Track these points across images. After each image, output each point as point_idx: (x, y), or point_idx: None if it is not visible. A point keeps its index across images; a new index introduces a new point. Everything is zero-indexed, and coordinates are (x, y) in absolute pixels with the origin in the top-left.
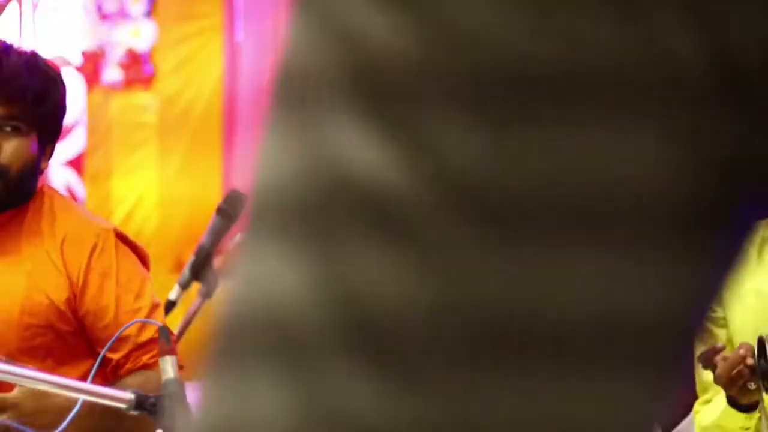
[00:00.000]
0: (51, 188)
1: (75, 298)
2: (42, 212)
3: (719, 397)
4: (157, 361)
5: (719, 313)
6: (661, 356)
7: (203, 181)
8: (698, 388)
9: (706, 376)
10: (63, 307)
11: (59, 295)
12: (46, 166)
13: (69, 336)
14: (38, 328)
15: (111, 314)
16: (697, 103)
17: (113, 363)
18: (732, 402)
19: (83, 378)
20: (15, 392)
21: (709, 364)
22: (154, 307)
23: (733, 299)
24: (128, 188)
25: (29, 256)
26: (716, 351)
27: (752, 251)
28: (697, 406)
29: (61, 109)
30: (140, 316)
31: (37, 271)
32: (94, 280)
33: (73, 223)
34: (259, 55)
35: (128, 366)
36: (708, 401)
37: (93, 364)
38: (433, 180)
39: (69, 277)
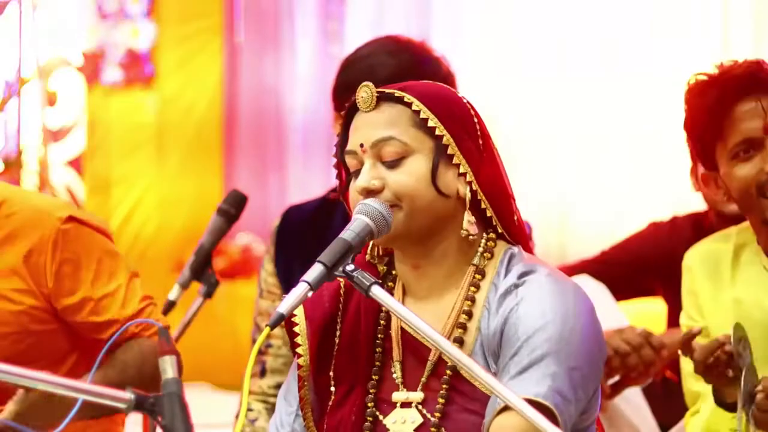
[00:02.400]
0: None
1: (48, 300)
2: (1, 218)
3: (707, 404)
4: (145, 328)
5: (700, 323)
6: None
7: (203, 180)
8: (687, 399)
9: (694, 386)
10: (33, 312)
11: (27, 301)
12: None
13: (48, 335)
14: (15, 335)
15: (90, 302)
16: None
17: (104, 341)
18: (718, 400)
19: (68, 376)
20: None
21: (687, 350)
22: (130, 278)
23: (712, 309)
24: (128, 188)
25: None
26: (693, 335)
27: (727, 261)
28: (686, 417)
29: None
30: (119, 296)
31: (2, 277)
32: (64, 273)
33: (32, 225)
34: (258, 56)
35: (117, 339)
36: (696, 412)
37: (76, 360)
38: None
39: (35, 281)
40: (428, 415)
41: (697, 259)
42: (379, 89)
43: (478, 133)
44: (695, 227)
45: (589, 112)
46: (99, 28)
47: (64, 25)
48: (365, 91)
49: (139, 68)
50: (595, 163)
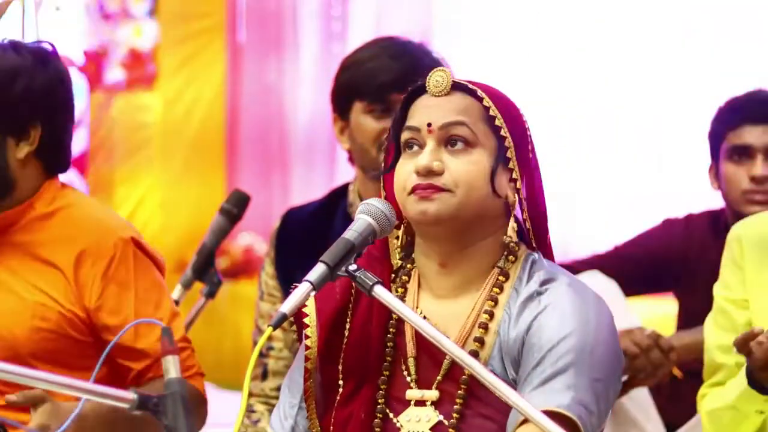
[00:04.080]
0: (74, 192)
1: (88, 314)
2: (62, 219)
3: (735, 380)
4: (183, 369)
5: (739, 294)
6: None
7: (205, 180)
8: (707, 371)
9: (719, 358)
10: (73, 318)
11: (71, 306)
12: (28, 153)
13: (80, 344)
14: (49, 333)
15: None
16: None
17: (134, 373)
18: (755, 385)
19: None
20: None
21: (744, 348)
22: (173, 316)
23: (757, 287)
24: (131, 188)
25: (43, 261)
26: (753, 336)
27: None
28: (703, 389)
29: (18, 98)
30: (158, 329)
31: (50, 277)
32: (112, 292)
33: (91, 234)
34: (261, 55)
35: (150, 375)
36: (718, 384)
37: (105, 373)
38: None
39: (81, 291)
40: (443, 416)
41: (751, 234)
42: (454, 78)
43: (530, 146)
44: (711, 225)
45: (591, 114)
46: (101, 28)
47: (67, 25)
48: (441, 76)
49: (141, 68)
50: (598, 164)
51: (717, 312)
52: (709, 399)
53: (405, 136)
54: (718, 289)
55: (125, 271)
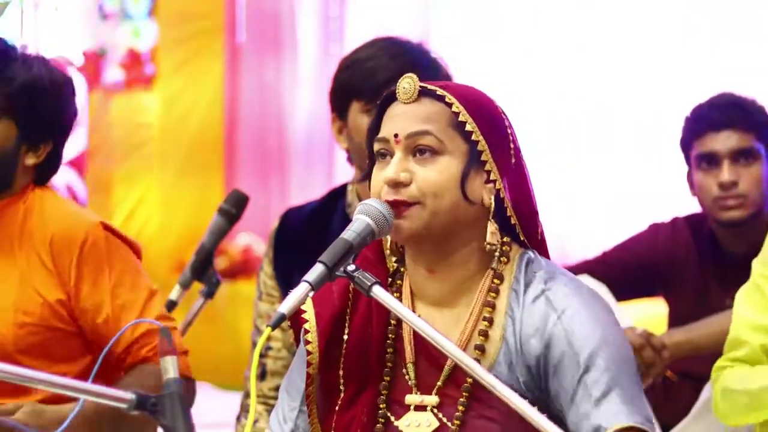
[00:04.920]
0: (43, 187)
1: (69, 299)
2: (33, 211)
3: (765, 367)
4: (157, 353)
5: None
6: None
7: (204, 180)
8: (729, 344)
9: (745, 335)
10: (57, 307)
11: (52, 295)
12: (32, 164)
13: (65, 335)
14: (33, 326)
15: (107, 309)
16: None
17: (114, 357)
18: None
19: (80, 376)
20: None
21: None
22: (151, 295)
23: None
24: (129, 188)
25: (21, 255)
26: None
27: None
28: (722, 361)
29: (45, 104)
30: (136, 308)
31: (29, 270)
32: (87, 276)
33: (62, 221)
34: (259, 56)
35: (128, 360)
36: (737, 360)
37: (90, 362)
38: None
39: (60, 277)
40: (444, 419)
41: None
42: (422, 84)
43: (511, 145)
44: (694, 228)
45: (591, 112)
46: (100, 29)
47: (66, 25)
48: (408, 83)
49: (140, 68)
50: (597, 163)
51: (752, 288)
52: (728, 376)
53: (376, 146)
54: (756, 265)
55: (97, 255)
